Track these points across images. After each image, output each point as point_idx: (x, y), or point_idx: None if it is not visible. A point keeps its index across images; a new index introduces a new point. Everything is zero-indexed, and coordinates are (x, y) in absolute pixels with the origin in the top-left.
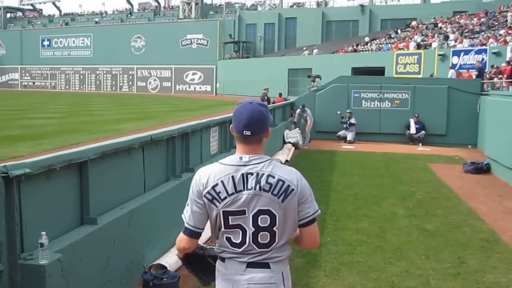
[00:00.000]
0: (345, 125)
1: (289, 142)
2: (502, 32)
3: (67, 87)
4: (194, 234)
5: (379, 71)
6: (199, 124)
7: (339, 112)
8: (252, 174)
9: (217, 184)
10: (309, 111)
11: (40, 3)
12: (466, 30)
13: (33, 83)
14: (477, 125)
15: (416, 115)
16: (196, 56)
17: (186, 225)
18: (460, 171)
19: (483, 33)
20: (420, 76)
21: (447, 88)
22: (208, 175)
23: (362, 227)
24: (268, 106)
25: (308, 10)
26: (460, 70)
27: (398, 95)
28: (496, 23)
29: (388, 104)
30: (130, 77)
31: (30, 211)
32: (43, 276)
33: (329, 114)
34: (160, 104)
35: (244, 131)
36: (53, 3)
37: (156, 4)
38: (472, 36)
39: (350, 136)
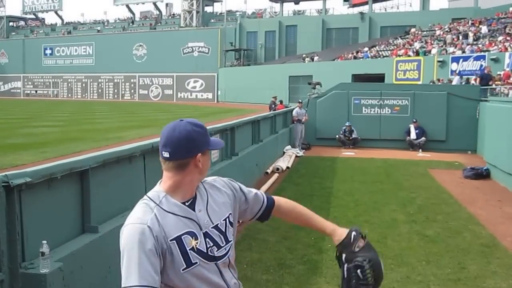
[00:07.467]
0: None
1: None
2: (500, 38)
3: (70, 95)
4: None
5: (379, 78)
6: None
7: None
8: None
9: None
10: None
11: (42, 12)
12: (469, 37)
13: (36, 91)
14: (477, 131)
15: (414, 120)
16: (197, 64)
17: None
18: (460, 176)
19: (482, 39)
20: (420, 82)
21: (447, 94)
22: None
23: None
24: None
25: (309, 18)
26: (469, 76)
27: (398, 102)
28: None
29: (388, 111)
30: (132, 85)
31: (31, 220)
32: (44, 285)
33: (329, 121)
34: (161, 112)
35: (163, 152)
36: (55, 12)
37: (158, 12)
38: (471, 43)
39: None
